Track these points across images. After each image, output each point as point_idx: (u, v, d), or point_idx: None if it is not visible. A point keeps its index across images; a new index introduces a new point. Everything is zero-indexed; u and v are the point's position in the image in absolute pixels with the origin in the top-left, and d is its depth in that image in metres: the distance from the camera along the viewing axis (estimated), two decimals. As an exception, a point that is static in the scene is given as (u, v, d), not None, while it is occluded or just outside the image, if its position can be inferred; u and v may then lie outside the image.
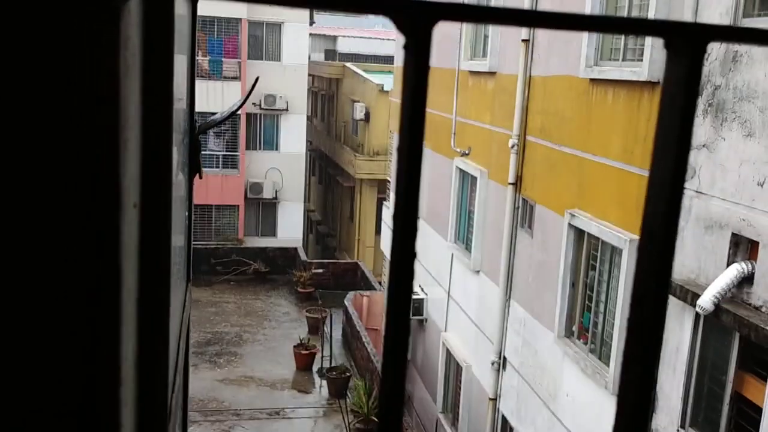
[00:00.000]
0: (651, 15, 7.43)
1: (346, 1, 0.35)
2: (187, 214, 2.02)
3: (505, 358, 11.09)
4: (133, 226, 0.62)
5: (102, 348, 0.50)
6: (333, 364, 17.55)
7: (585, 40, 8.73)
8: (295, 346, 18.13)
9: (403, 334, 0.44)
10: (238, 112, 25.38)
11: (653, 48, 7.39)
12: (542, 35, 10.11)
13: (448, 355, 13.43)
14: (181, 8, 1.45)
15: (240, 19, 25.48)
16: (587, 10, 8.67)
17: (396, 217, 0.40)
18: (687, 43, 0.40)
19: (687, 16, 6.88)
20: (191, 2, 1.90)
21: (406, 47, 0.36)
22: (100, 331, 0.49)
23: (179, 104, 1.52)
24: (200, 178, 2.25)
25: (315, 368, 17.93)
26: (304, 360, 17.89)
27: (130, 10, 0.52)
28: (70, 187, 0.44)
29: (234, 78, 25.42)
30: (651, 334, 0.47)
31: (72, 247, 0.46)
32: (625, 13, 8.24)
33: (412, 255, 0.42)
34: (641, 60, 7.73)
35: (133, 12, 0.57)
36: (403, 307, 0.43)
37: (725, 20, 6.42)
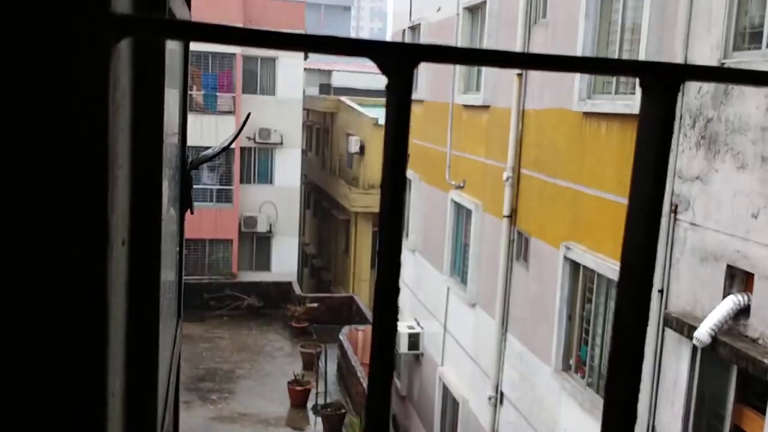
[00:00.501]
0: (642, 48, 7.52)
1: (330, 45, 0.36)
2: (178, 249, 2.00)
3: (502, 393, 10.99)
4: (122, 262, 0.60)
5: (88, 384, 0.48)
6: (328, 401, 17.35)
7: (578, 73, 8.82)
8: (289, 382, 17.94)
9: (388, 365, 0.43)
10: (232, 146, 25.48)
11: (645, 81, 7.46)
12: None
13: (445, 389, 13.30)
14: (172, 43, 1.45)
15: (234, 54, 25.72)
16: (579, 44, 8.78)
17: (380, 254, 0.40)
18: (661, 82, 0.40)
19: (678, 50, 6.97)
20: (186, 4, 1.90)
21: (388, 88, 0.36)
22: (86, 366, 0.47)
23: (171, 139, 1.52)
24: (191, 213, 2.23)
25: (310, 405, 17.71)
26: (299, 396, 17.68)
27: (120, 51, 0.52)
28: (58, 224, 0.44)
29: (228, 112, 25.57)
30: (632, 365, 0.45)
31: (58, 283, 0.45)
32: (616, 47, 8.35)
33: (396, 291, 0.41)
34: (633, 93, 7.80)
35: (124, 53, 0.57)
36: (389, 340, 0.42)
37: (716, 54, 6.49)
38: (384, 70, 0.37)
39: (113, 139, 0.44)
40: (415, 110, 15.48)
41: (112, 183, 0.45)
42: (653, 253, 0.43)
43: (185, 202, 2.06)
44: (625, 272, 0.44)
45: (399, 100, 0.37)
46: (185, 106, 2.11)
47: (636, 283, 0.43)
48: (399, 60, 0.37)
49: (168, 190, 1.41)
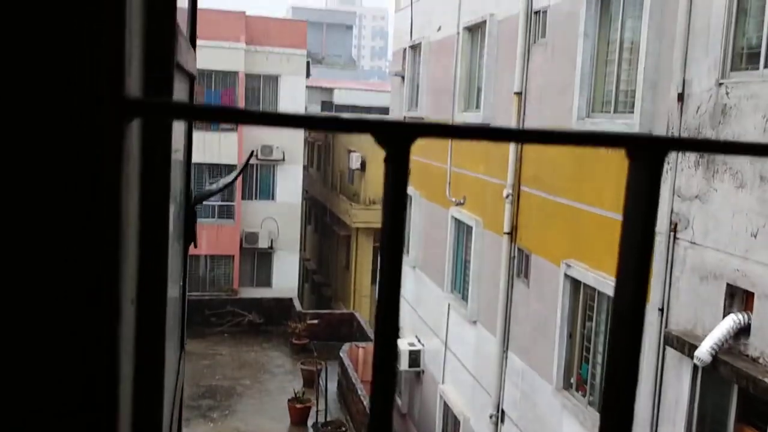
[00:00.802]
0: (641, 68, 7.56)
1: (334, 123, 0.38)
2: (181, 284, 2.02)
3: (503, 411, 10.94)
4: (129, 322, 0.63)
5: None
6: (328, 419, 17.27)
7: (577, 91, 8.88)
8: (289, 400, 17.86)
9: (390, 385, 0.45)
10: (234, 162, 25.54)
11: (644, 100, 7.51)
12: (534, 87, 10.27)
13: (446, 407, 13.25)
14: (177, 94, 1.49)
15: (237, 72, 25.86)
16: (578, 63, 8.84)
17: (376, 335, 0.41)
18: (646, 154, 0.42)
19: (676, 69, 7.01)
20: (188, 82, 1.94)
21: (386, 160, 0.39)
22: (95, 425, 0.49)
23: (176, 179, 1.54)
24: (195, 247, 2.25)
25: (310, 423, 17.62)
26: (299, 414, 17.60)
27: (132, 128, 0.55)
28: (70, 290, 0.46)
29: (231, 130, 25.66)
30: (626, 385, 0.48)
31: (71, 347, 0.47)
32: (615, 66, 8.40)
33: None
34: (632, 112, 7.84)
35: (134, 129, 0.60)
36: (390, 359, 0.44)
37: (713, 74, 6.53)
38: (383, 144, 0.40)
39: (125, 208, 0.47)
40: (416, 127, 15.53)
41: (123, 250, 0.47)
42: (640, 327, 0.45)
43: (189, 236, 2.08)
44: (615, 339, 0.46)
45: (396, 173, 0.39)
46: (190, 139, 2.14)
47: (626, 346, 0.45)
48: (397, 136, 0.39)
49: (173, 226, 1.43)
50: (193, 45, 2.11)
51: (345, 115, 0.42)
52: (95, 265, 0.45)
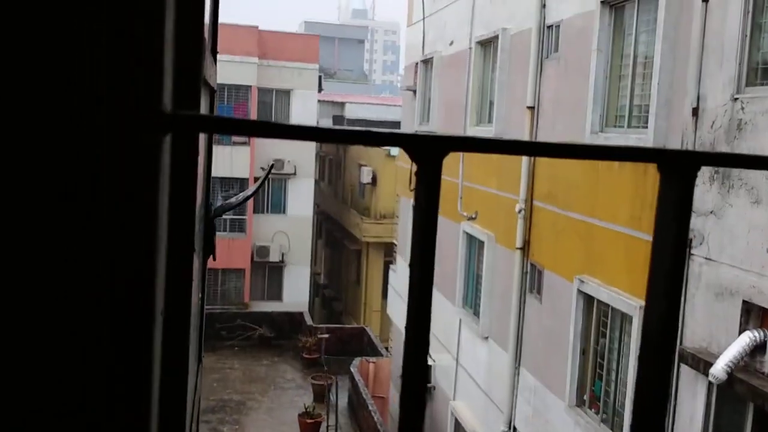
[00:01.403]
0: (654, 83, 7.54)
1: (368, 137, 0.38)
2: (200, 296, 2.02)
3: (515, 428, 10.85)
4: (158, 333, 0.63)
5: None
6: (339, 433, 17.19)
7: (590, 106, 8.86)
8: (299, 415, 17.80)
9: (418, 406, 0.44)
10: (246, 176, 25.64)
11: (658, 116, 7.48)
12: (547, 102, 10.26)
13: (457, 424, 13.15)
14: (204, 104, 1.49)
15: (250, 86, 26.02)
16: (591, 78, 8.82)
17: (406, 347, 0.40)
18: (678, 169, 0.41)
19: (690, 85, 6.98)
20: (209, 94, 1.95)
21: (417, 174, 0.38)
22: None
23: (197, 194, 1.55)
24: (214, 260, 2.25)
25: (320, 437, 17.55)
26: (309, 429, 17.53)
27: (165, 141, 0.55)
28: (111, 298, 0.46)
29: (243, 143, 25.79)
30: (658, 395, 0.47)
31: (106, 357, 0.47)
32: (628, 81, 8.38)
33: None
34: (646, 127, 7.81)
35: (166, 143, 0.60)
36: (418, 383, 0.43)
37: (728, 89, 6.50)
38: (414, 158, 0.40)
39: (160, 221, 0.47)
40: (428, 142, 15.54)
41: (158, 261, 0.47)
42: (673, 341, 0.44)
43: (208, 249, 2.08)
44: (645, 354, 0.44)
45: (428, 188, 0.39)
46: (210, 153, 2.15)
47: (657, 367, 0.44)
48: (429, 150, 0.39)
49: (195, 239, 1.43)
50: (215, 58, 2.12)
51: (377, 129, 0.41)
52: (133, 276, 0.45)
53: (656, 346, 0.47)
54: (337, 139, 0.39)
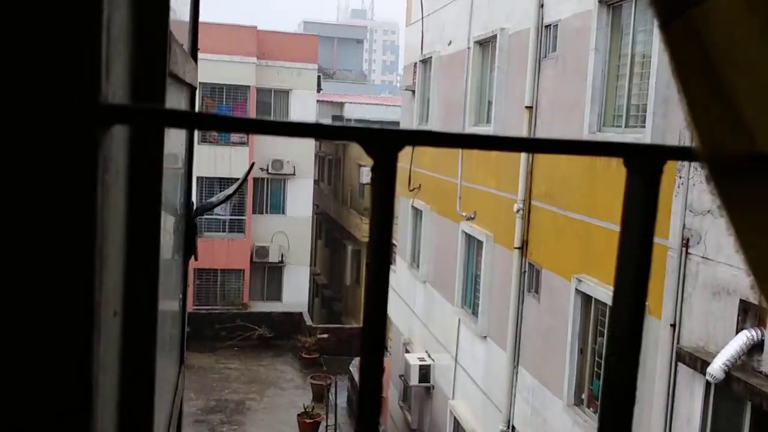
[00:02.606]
0: (652, 81, 7.54)
1: (323, 130, 0.37)
2: (181, 296, 2.01)
3: (513, 427, 10.85)
4: (114, 332, 0.62)
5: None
6: (338, 433, 17.19)
7: (588, 106, 8.86)
8: (299, 415, 17.81)
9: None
10: (246, 179, 25.62)
11: (655, 114, 7.48)
12: (545, 101, 10.27)
13: (456, 423, 13.15)
14: (176, 104, 1.48)
15: (249, 86, 26.02)
16: (589, 77, 8.83)
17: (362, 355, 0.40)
18: (643, 163, 0.41)
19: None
20: (189, 92, 1.94)
21: (373, 169, 0.38)
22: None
23: (175, 190, 1.54)
24: (195, 260, 2.25)
25: (319, 437, 17.55)
26: (309, 429, 17.54)
27: (113, 135, 0.54)
28: (41, 297, 0.45)
29: (242, 144, 25.79)
30: (624, 401, 0.46)
31: (43, 354, 0.46)
32: (626, 80, 8.38)
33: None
34: (644, 126, 7.81)
35: (118, 137, 0.59)
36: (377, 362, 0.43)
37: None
38: (370, 153, 0.39)
39: (105, 218, 0.46)
40: (427, 142, 15.54)
41: (100, 260, 0.46)
42: (639, 337, 0.44)
43: (190, 249, 2.08)
44: (611, 354, 0.44)
45: (383, 182, 0.39)
46: (191, 151, 2.14)
47: (622, 365, 0.44)
48: (384, 145, 0.38)
49: (171, 239, 1.42)
50: (195, 58, 2.11)
51: (328, 123, 0.41)
52: (68, 274, 0.44)
53: (623, 341, 0.47)
54: (288, 132, 0.38)
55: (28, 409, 0.46)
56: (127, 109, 0.41)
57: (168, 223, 1.20)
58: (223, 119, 0.39)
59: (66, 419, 0.46)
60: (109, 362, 0.60)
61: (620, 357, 0.47)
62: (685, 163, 7.08)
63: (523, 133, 10.60)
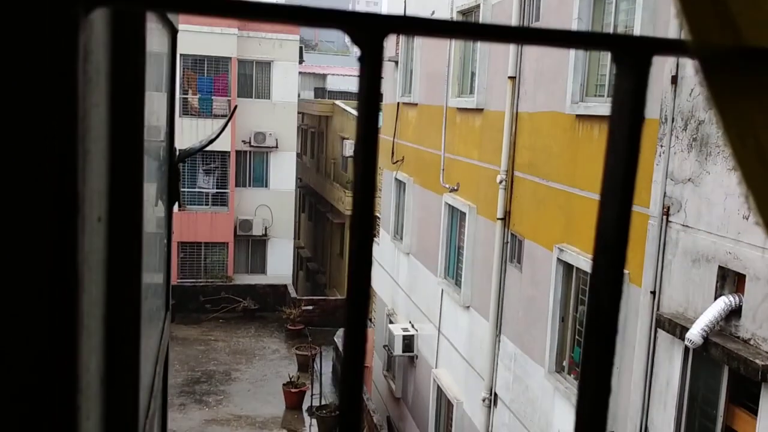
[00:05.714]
0: (637, 26, 7.52)
1: (303, 16, 0.37)
2: (166, 241, 2.01)
3: (496, 395, 11.00)
4: (98, 238, 0.61)
5: (58, 360, 0.49)
6: (323, 403, 17.35)
7: (570, 76, 8.86)
8: (284, 384, 17.93)
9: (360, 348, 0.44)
10: (228, 149, 25.44)
11: (637, 84, 7.49)
12: (529, 72, 10.25)
13: (439, 391, 13.30)
14: (159, 45, 1.47)
15: (230, 57, 25.72)
16: (571, 53, 8.81)
17: (353, 227, 0.40)
18: (632, 55, 0.41)
19: (672, 27, 6.98)
20: (171, 34, 1.92)
21: (360, 59, 0.38)
22: (56, 343, 0.48)
23: (158, 133, 1.53)
24: (179, 206, 2.24)
25: (305, 407, 17.70)
26: (294, 398, 17.67)
27: (93, 23, 0.53)
28: (22, 195, 0.44)
29: (224, 116, 25.55)
30: (608, 324, 0.47)
31: (23, 252, 0.46)
32: (611, 25, 8.37)
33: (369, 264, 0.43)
34: (626, 96, 7.82)
35: (98, 26, 0.57)
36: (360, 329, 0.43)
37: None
38: (355, 40, 0.38)
39: (84, 111, 0.45)
40: (410, 113, 15.50)
41: (82, 156, 0.46)
42: (626, 232, 0.44)
43: (173, 195, 2.08)
44: (599, 253, 0.45)
45: (370, 70, 0.38)
46: (173, 100, 2.13)
47: (609, 264, 0.44)
48: (370, 31, 0.38)
49: (155, 181, 1.42)
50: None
51: (311, 6, 0.41)
52: (50, 167, 0.44)
53: (611, 239, 0.46)
54: (267, 17, 0.38)
55: (11, 294, 0.45)
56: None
57: (154, 167, 1.20)
58: (203, 2, 0.38)
59: (50, 310, 0.46)
60: (94, 264, 0.60)
61: (608, 257, 0.46)
62: (666, 132, 7.12)
63: (506, 104, 10.59)
